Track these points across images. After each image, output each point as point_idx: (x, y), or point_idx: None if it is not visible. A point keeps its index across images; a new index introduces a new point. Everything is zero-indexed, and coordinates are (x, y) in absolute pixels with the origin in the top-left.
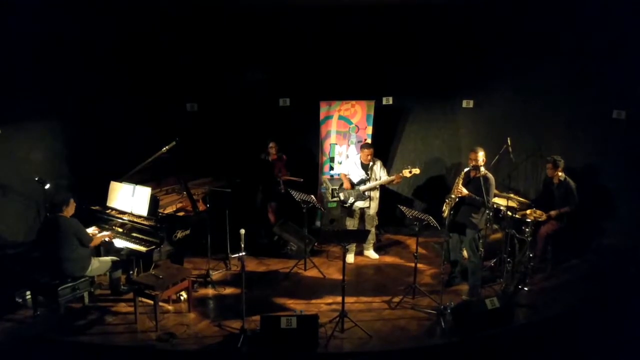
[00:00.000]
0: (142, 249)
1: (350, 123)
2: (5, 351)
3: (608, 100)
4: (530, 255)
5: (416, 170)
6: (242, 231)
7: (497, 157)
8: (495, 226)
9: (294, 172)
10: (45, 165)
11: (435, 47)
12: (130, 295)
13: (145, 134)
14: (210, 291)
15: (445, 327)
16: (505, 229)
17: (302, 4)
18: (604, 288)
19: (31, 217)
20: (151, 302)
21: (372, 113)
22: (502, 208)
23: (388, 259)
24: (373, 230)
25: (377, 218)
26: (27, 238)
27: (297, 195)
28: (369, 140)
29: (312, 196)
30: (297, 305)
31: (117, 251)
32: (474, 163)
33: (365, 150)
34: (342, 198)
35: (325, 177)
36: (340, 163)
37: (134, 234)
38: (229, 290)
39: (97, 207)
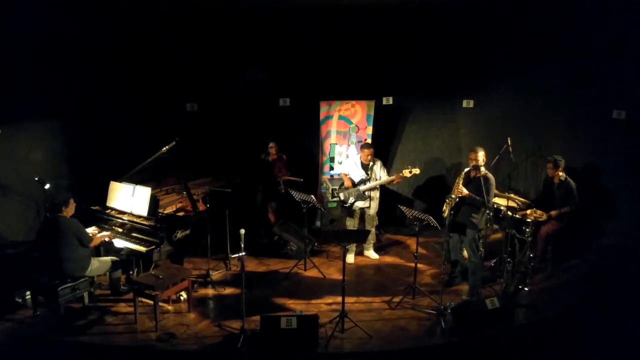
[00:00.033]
0: (142, 249)
1: (351, 123)
2: (5, 351)
3: (608, 100)
4: (531, 255)
5: (416, 170)
6: (242, 231)
7: (497, 157)
8: (496, 226)
9: (294, 172)
10: (45, 165)
11: (435, 47)
12: (130, 295)
13: (145, 134)
14: (210, 291)
15: (445, 327)
16: (506, 229)
17: (302, 4)
18: (604, 288)
19: (31, 217)
20: (151, 302)
21: (372, 113)
22: (502, 208)
23: (388, 259)
24: (373, 230)
25: (377, 218)
26: (27, 238)
27: (297, 195)
28: (369, 140)
29: (312, 196)
30: (297, 305)
31: (117, 251)
32: (474, 163)
33: (365, 150)
34: (342, 198)
35: (325, 177)
36: (341, 163)
37: (134, 234)
38: (229, 290)
39: (97, 207)
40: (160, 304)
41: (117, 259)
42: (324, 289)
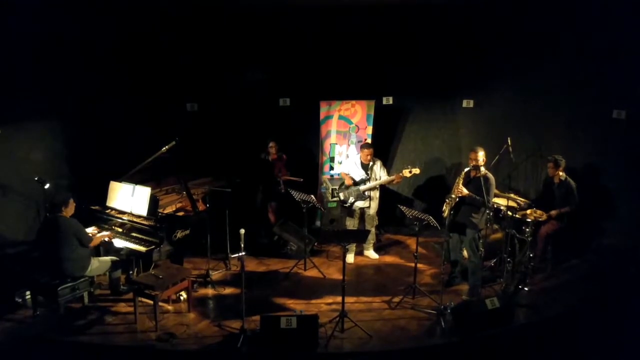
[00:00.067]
0: (142, 248)
1: (351, 123)
2: (5, 351)
3: (608, 100)
4: (531, 255)
5: (416, 170)
6: (242, 231)
7: (497, 157)
8: (496, 226)
9: (294, 172)
10: (45, 165)
11: (435, 47)
12: (130, 295)
13: (145, 134)
14: (210, 291)
15: (445, 327)
16: (506, 229)
17: (302, 4)
18: (604, 288)
19: (31, 217)
20: (151, 302)
21: (372, 113)
22: (502, 208)
23: (388, 259)
24: (373, 230)
25: (377, 218)
26: (27, 238)
27: (297, 195)
28: (369, 140)
29: (312, 196)
30: (297, 305)
31: (117, 251)
32: (474, 163)
33: (365, 150)
34: (342, 198)
35: (325, 177)
36: (341, 163)
37: (134, 234)
38: (228, 290)
39: (96, 207)
40: (160, 303)
41: (117, 258)
42: (324, 288)
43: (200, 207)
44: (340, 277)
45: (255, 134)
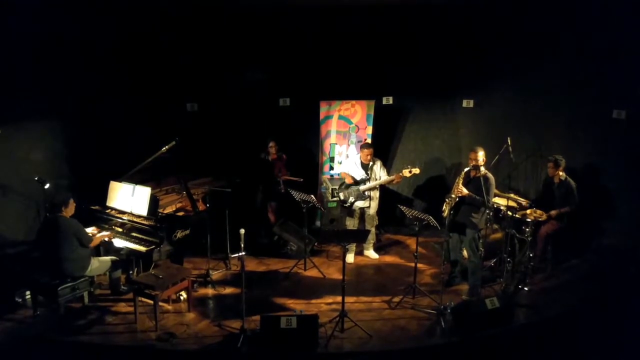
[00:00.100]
0: (142, 248)
1: (350, 123)
2: (5, 351)
3: (608, 100)
4: (530, 255)
5: (416, 170)
6: (242, 231)
7: (497, 157)
8: (496, 226)
9: (294, 172)
10: (45, 165)
11: (435, 47)
12: (130, 295)
13: (145, 134)
14: (210, 291)
15: (445, 327)
16: (506, 229)
17: (302, 4)
18: (604, 288)
19: (31, 217)
20: (151, 302)
21: (372, 113)
22: (502, 208)
23: (388, 258)
24: (373, 230)
25: (377, 218)
26: (27, 238)
27: (297, 195)
28: (369, 140)
29: (312, 196)
30: (297, 305)
31: (117, 251)
32: (474, 163)
33: (365, 150)
34: (342, 198)
35: (325, 176)
36: (340, 163)
37: (134, 234)
38: (228, 290)
39: (97, 207)
40: (160, 303)
41: (117, 258)
42: (324, 288)
43: (200, 207)
44: (340, 277)
45: (255, 134)
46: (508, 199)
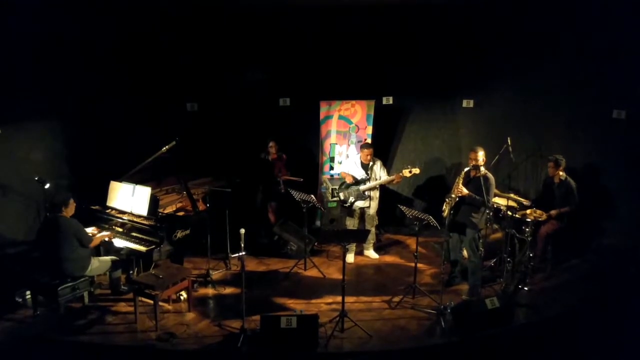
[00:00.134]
0: (142, 248)
1: (350, 123)
2: (5, 351)
3: (608, 100)
4: (530, 255)
5: (416, 170)
6: (242, 231)
7: (497, 157)
8: (496, 226)
9: (294, 172)
10: (45, 165)
11: (435, 47)
12: (130, 295)
13: (145, 134)
14: (210, 291)
15: (445, 327)
16: (505, 229)
17: (302, 4)
18: (604, 288)
19: (31, 217)
20: (151, 301)
21: (372, 113)
22: (502, 208)
23: (388, 258)
24: (373, 230)
25: (377, 218)
26: (27, 238)
27: (297, 195)
28: (369, 140)
29: (312, 196)
30: (297, 305)
31: (117, 251)
32: (474, 163)
33: (365, 150)
34: (342, 198)
35: (325, 176)
36: (341, 163)
37: (134, 234)
38: (229, 290)
39: (97, 207)
40: (160, 303)
41: (117, 258)
42: (324, 288)
43: (201, 207)
44: (340, 276)
45: (255, 134)
46: (508, 199)
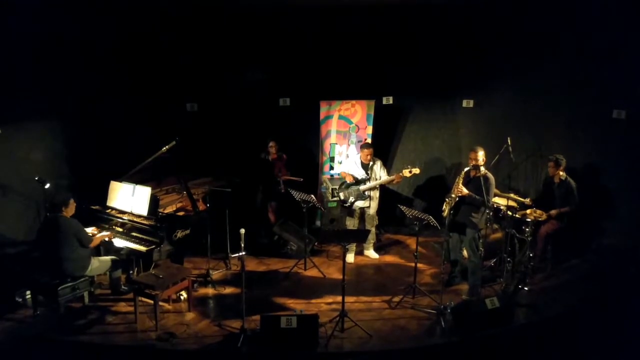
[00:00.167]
0: (142, 248)
1: (351, 123)
2: (5, 351)
3: (608, 100)
4: (531, 255)
5: (416, 170)
6: (242, 231)
7: (497, 157)
8: (496, 226)
9: (294, 172)
10: (45, 165)
11: (435, 47)
12: (130, 295)
13: (145, 134)
14: (210, 291)
15: (445, 327)
16: (506, 229)
17: (302, 4)
18: (604, 288)
19: (31, 217)
20: (151, 301)
21: (372, 113)
22: (502, 208)
23: (388, 258)
24: (373, 229)
25: (377, 218)
26: (27, 238)
27: (297, 195)
28: (369, 140)
29: (312, 196)
30: (297, 304)
31: (117, 251)
32: (474, 162)
33: (365, 150)
34: (342, 198)
35: (325, 176)
36: (341, 163)
37: (134, 234)
38: (229, 290)
39: (97, 207)
40: (161, 303)
41: (117, 258)
42: (324, 288)
43: (201, 207)
44: (340, 276)
45: (255, 134)
46: (508, 199)
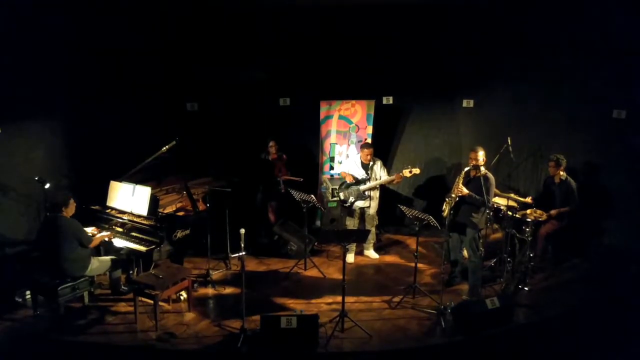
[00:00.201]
0: (142, 248)
1: (351, 122)
2: (5, 351)
3: (608, 100)
4: (531, 255)
5: (416, 170)
6: (242, 231)
7: (497, 157)
8: (496, 226)
9: (294, 172)
10: (45, 165)
11: (435, 47)
12: (130, 295)
13: (145, 134)
14: (210, 291)
15: (445, 327)
16: (506, 229)
17: (302, 4)
18: (604, 288)
19: (31, 217)
20: (151, 301)
21: (372, 112)
22: (502, 208)
23: (388, 258)
24: (373, 229)
25: (377, 218)
26: (27, 238)
27: (297, 195)
28: (369, 140)
29: (312, 196)
30: (297, 305)
31: (117, 251)
32: (474, 162)
33: (365, 150)
34: (342, 197)
35: (326, 176)
36: (341, 163)
37: (134, 234)
38: (229, 290)
39: (97, 207)
40: (160, 303)
41: (117, 258)
42: (324, 288)
43: (201, 206)
44: (340, 276)
45: (255, 134)
46: (508, 198)
